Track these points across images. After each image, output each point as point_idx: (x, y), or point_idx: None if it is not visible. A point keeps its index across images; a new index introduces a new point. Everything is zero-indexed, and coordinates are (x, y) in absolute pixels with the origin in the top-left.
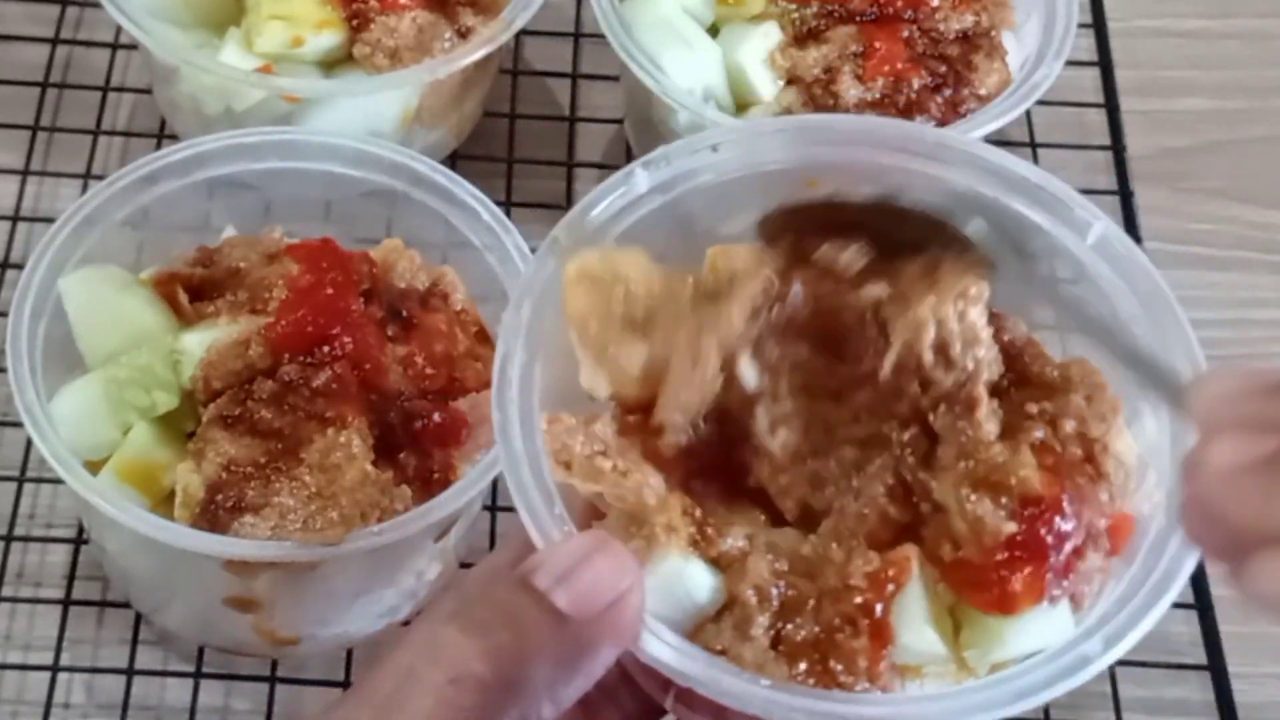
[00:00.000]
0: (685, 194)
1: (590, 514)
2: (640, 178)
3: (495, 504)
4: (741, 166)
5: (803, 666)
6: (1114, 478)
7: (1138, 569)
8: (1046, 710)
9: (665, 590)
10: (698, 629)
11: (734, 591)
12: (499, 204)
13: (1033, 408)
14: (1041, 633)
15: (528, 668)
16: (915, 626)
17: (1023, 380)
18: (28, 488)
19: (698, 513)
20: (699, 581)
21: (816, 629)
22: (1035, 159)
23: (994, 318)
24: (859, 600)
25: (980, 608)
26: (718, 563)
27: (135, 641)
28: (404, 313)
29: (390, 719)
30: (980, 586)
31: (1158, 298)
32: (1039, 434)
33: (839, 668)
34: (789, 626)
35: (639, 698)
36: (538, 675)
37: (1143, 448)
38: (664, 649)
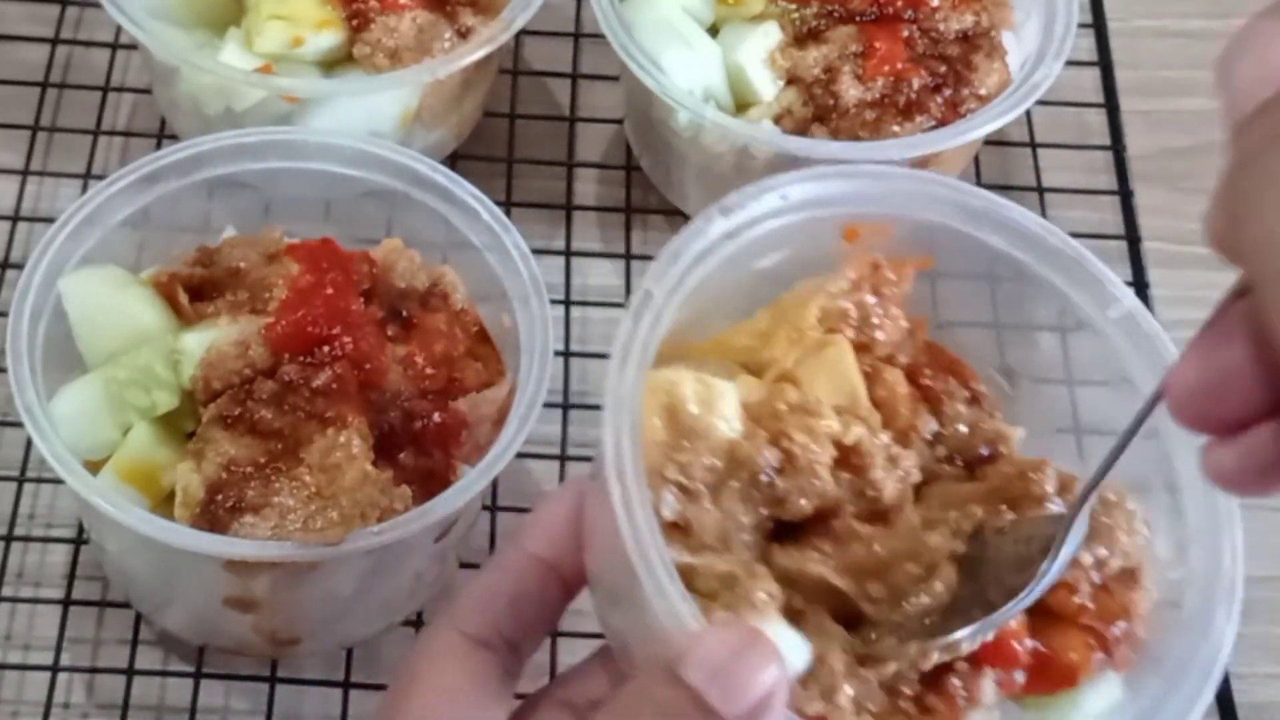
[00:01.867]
0: (750, 239)
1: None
2: (718, 224)
3: (495, 504)
4: (799, 212)
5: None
6: (1144, 584)
7: (1181, 649)
8: None
9: None
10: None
11: (822, 655)
12: (499, 204)
13: (1086, 554)
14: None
15: None
16: None
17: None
18: (28, 488)
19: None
20: (797, 650)
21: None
22: (1035, 159)
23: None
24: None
25: (1044, 691)
26: (802, 620)
27: (135, 641)
28: (404, 313)
29: None
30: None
31: None
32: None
33: None
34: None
35: None
36: None
37: (1157, 532)
38: None
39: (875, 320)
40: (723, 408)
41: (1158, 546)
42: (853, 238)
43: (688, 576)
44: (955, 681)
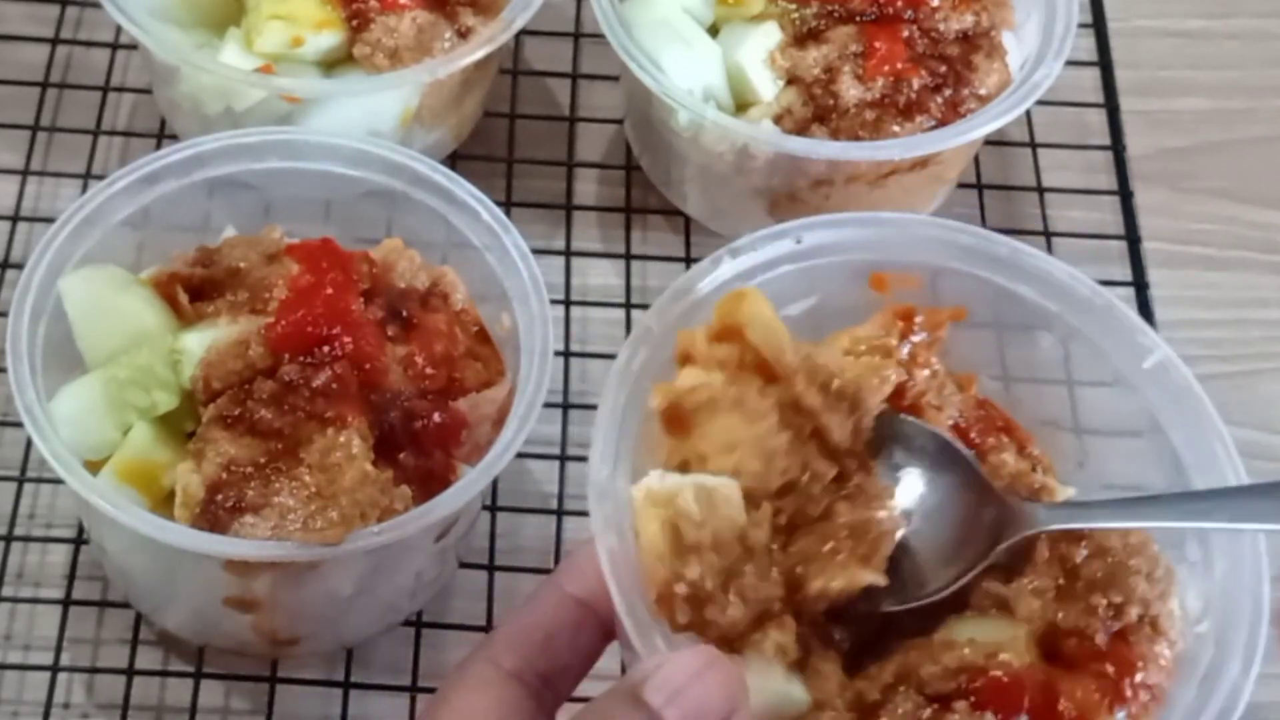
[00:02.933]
0: (763, 283)
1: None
2: (726, 265)
3: (495, 504)
4: (817, 257)
5: None
6: (1168, 634)
7: (1194, 699)
8: None
9: (762, 706)
10: None
11: (820, 700)
12: (499, 204)
13: (1099, 599)
14: None
15: None
16: None
17: (1086, 552)
18: (28, 488)
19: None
20: (796, 699)
21: None
22: (1035, 159)
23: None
24: None
25: None
26: (803, 667)
27: (135, 641)
28: (404, 313)
29: None
30: None
31: (1209, 427)
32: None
33: None
34: None
35: None
36: None
37: (1185, 582)
38: None
39: (914, 367)
40: (727, 509)
41: (1186, 599)
42: (881, 287)
43: (701, 629)
44: None
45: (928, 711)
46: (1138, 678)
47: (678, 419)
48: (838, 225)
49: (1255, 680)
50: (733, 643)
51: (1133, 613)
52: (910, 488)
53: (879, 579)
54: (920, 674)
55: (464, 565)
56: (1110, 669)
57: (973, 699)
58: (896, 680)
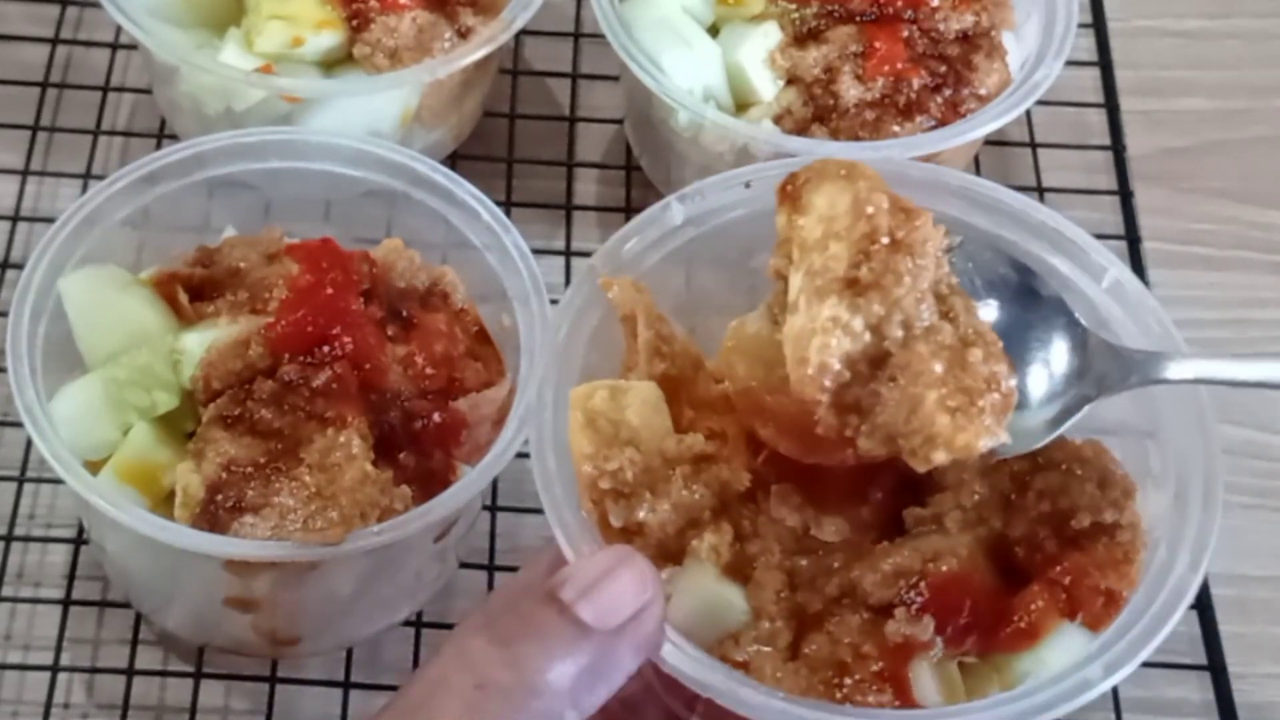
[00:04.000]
0: (718, 228)
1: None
2: (675, 211)
3: (495, 504)
4: (773, 201)
5: (820, 679)
6: (1127, 543)
7: (1140, 597)
8: None
9: (696, 608)
10: (719, 643)
11: (759, 607)
12: (499, 204)
13: (1048, 507)
14: (1062, 659)
15: (549, 675)
16: (927, 693)
17: (1036, 463)
18: (28, 488)
19: (739, 545)
20: (730, 602)
21: (836, 649)
22: (1035, 159)
23: None
24: (875, 668)
25: (1005, 650)
26: (748, 579)
27: (135, 641)
28: (404, 313)
29: None
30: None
31: (1168, 341)
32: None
33: (854, 681)
34: (809, 645)
35: (664, 714)
36: (559, 683)
37: (1150, 495)
38: (685, 660)
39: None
40: (640, 409)
41: (1147, 509)
42: None
43: (637, 535)
44: (891, 626)
45: (869, 618)
46: (1091, 583)
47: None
48: (787, 169)
49: (1202, 579)
50: (672, 556)
51: (1084, 519)
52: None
53: (1003, 438)
54: (862, 585)
55: (464, 565)
56: (1064, 578)
57: (913, 605)
58: (840, 594)
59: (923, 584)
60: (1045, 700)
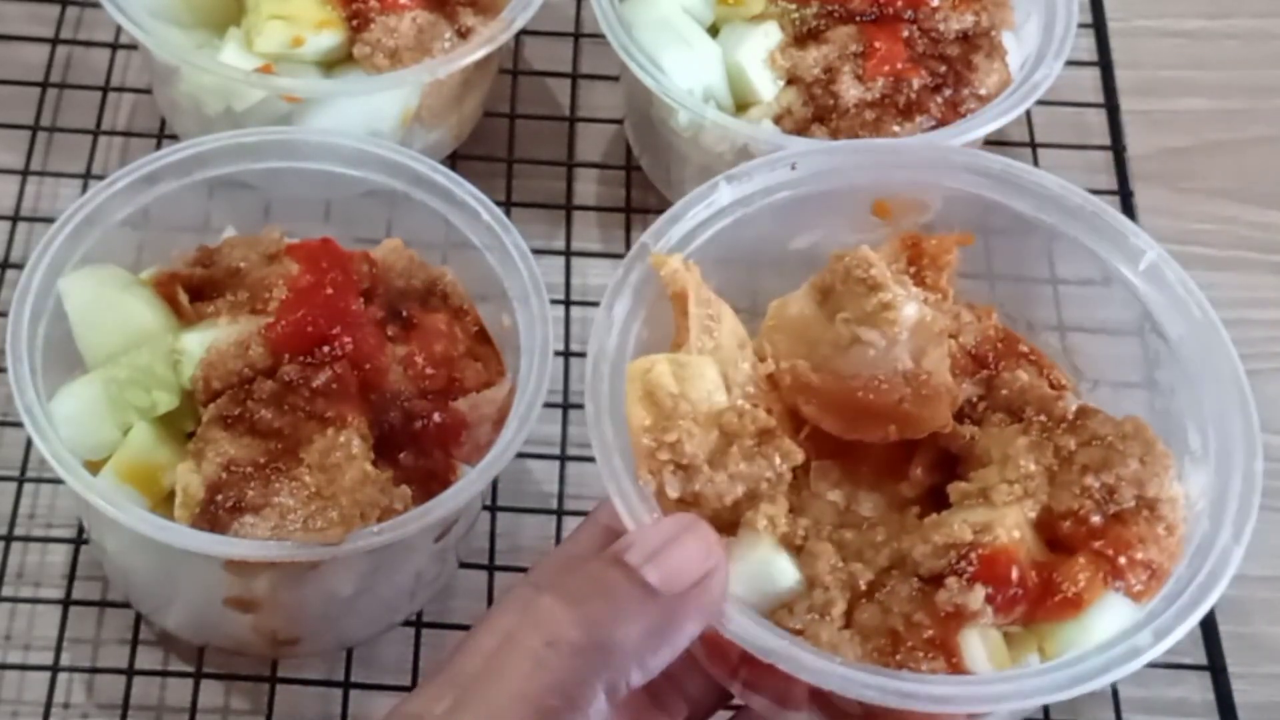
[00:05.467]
0: (763, 209)
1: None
2: (724, 191)
3: (495, 504)
4: (816, 184)
5: (873, 646)
6: (1168, 518)
7: (1185, 568)
8: (1046, 710)
9: (751, 575)
10: (772, 612)
11: (812, 577)
12: (499, 204)
13: (1092, 481)
14: (1106, 629)
15: (617, 635)
16: (977, 660)
17: (1080, 438)
18: (28, 488)
19: (792, 518)
20: (785, 571)
21: (888, 617)
22: (1035, 159)
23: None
24: (926, 636)
25: (1051, 619)
26: (801, 550)
27: (135, 641)
28: (404, 313)
29: (491, 678)
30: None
31: (1206, 324)
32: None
33: (907, 649)
34: (860, 614)
35: (705, 685)
36: (627, 643)
37: (1188, 470)
38: (747, 625)
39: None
40: (698, 382)
41: (1187, 485)
42: (884, 214)
43: (693, 506)
44: (943, 595)
45: (920, 588)
46: (1136, 555)
47: None
48: (832, 152)
49: (1244, 556)
50: (730, 526)
51: (1127, 493)
52: None
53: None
54: (913, 556)
55: (464, 565)
56: (1108, 549)
57: (964, 575)
58: (890, 565)
59: (973, 555)
60: (1096, 666)
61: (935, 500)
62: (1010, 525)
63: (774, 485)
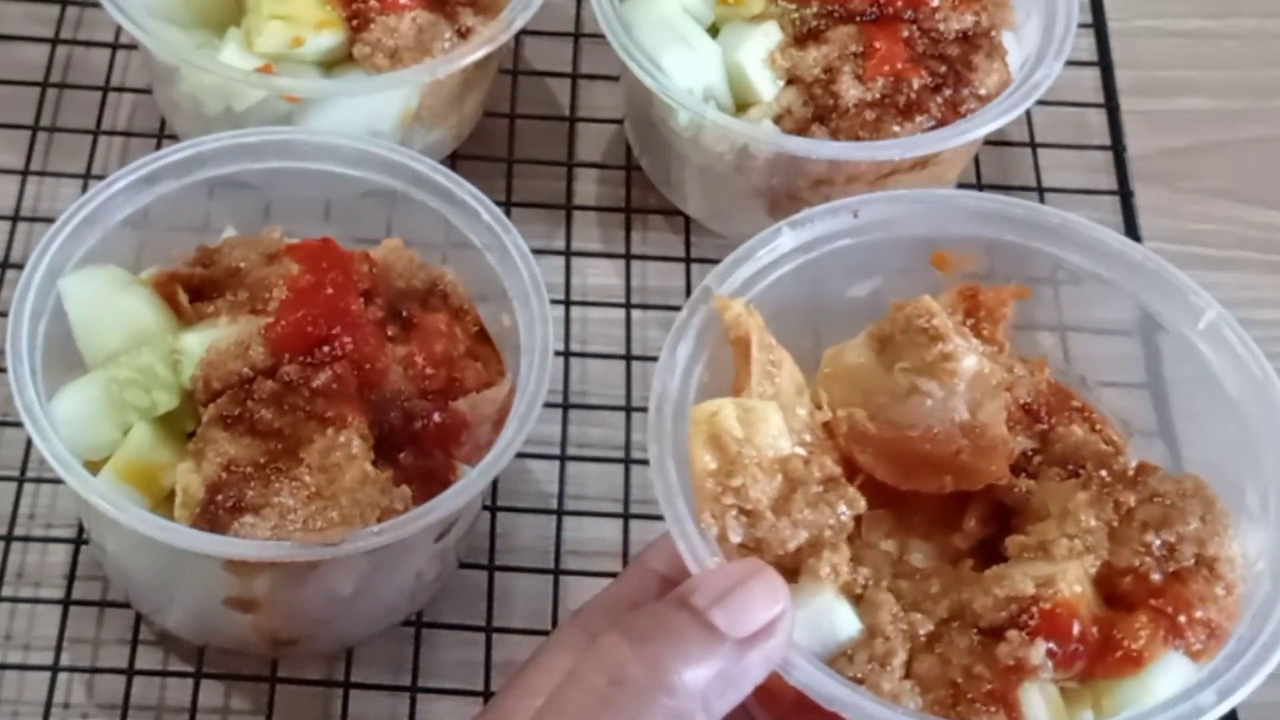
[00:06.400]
0: (824, 255)
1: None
2: (786, 236)
3: (495, 504)
4: (877, 232)
5: (933, 698)
6: (1227, 577)
7: (1247, 629)
8: None
9: (813, 623)
10: (832, 660)
11: (874, 626)
12: (499, 204)
13: (1153, 538)
14: (1165, 688)
15: (685, 676)
16: (1037, 715)
17: (1140, 495)
18: (28, 488)
19: (853, 566)
20: (847, 620)
21: (947, 669)
22: (1035, 159)
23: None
24: (986, 688)
25: (1110, 676)
26: (860, 599)
27: (135, 641)
28: (404, 313)
29: (554, 716)
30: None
31: (1266, 383)
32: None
33: (967, 701)
34: (922, 663)
35: None
36: (694, 685)
37: (1245, 530)
38: (813, 673)
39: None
40: (766, 429)
41: (1245, 544)
42: (943, 265)
43: (754, 552)
44: (1004, 649)
45: (980, 640)
46: (1196, 614)
47: None
48: (893, 201)
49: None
50: (790, 573)
51: (1187, 551)
52: None
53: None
54: (974, 608)
55: (464, 565)
56: (1168, 607)
57: (1026, 628)
58: (950, 616)
59: (1035, 609)
60: None
61: (986, 553)
62: (1072, 580)
63: (836, 533)
